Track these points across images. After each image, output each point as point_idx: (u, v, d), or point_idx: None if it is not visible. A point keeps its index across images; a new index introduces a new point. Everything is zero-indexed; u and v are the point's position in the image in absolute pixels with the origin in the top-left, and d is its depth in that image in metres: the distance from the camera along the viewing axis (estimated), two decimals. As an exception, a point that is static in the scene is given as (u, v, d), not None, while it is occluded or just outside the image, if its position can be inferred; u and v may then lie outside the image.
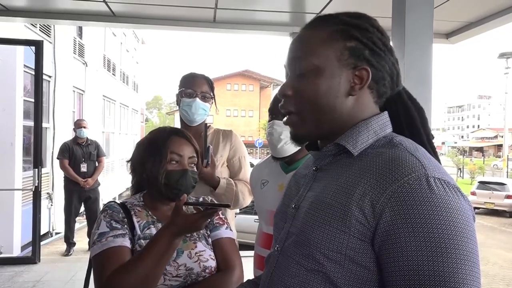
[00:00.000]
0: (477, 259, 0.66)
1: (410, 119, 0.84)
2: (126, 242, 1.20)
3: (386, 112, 0.83)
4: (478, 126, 79.57)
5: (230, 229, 1.40)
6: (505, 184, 16.11)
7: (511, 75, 25.67)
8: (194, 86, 1.91)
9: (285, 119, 0.86)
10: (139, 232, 1.24)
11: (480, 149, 62.40)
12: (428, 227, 0.64)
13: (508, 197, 15.31)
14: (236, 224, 2.16)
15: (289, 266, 0.79)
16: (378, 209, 0.68)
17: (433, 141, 0.86)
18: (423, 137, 0.84)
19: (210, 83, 1.97)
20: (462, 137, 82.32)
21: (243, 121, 45.53)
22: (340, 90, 0.79)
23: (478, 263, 0.66)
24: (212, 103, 1.99)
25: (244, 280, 1.29)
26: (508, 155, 26.22)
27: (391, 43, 0.84)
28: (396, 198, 0.67)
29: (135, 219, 1.26)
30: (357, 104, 0.81)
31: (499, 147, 52.92)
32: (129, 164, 1.39)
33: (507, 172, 24.49)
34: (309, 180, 0.86)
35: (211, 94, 1.96)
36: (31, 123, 4.88)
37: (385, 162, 0.72)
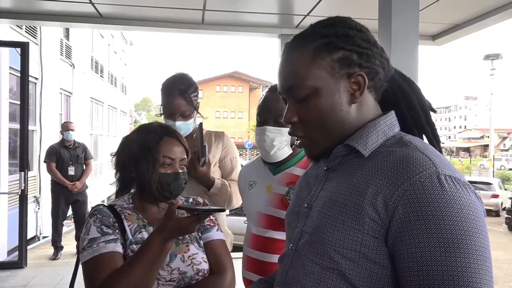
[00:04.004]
0: (489, 254, 0.68)
1: (408, 101, 0.87)
2: (118, 248, 1.18)
3: (393, 112, 0.85)
4: (465, 126, 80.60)
5: (221, 231, 1.40)
6: (491, 184, 16.37)
7: (496, 76, 26.09)
8: (172, 109, 1.84)
9: (297, 141, 0.88)
10: (130, 236, 1.23)
11: (467, 149, 63.29)
12: (441, 223, 0.66)
13: (494, 196, 15.56)
14: (227, 225, 2.16)
15: (304, 264, 0.80)
16: (391, 207, 0.70)
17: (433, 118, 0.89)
18: (422, 118, 0.87)
19: (188, 96, 1.86)
20: (449, 137, 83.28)
21: (232, 123, 45.48)
22: (342, 102, 0.80)
23: (490, 258, 0.67)
24: (194, 114, 1.93)
25: (236, 282, 1.31)
26: (494, 155, 26.62)
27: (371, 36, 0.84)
28: (408, 195, 0.69)
29: (126, 223, 1.24)
30: (361, 108, 0.82)
31: (486, 147, 53.74)
32: (113, 157, 1.35)
33: (493, 172, 24.87)
34: (321, 180, 0.88)
35: (192, 107, 1.89)
36: (17, 126, 4.81)
37: (396, 161, 0.74)
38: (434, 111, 0.90)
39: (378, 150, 0.80)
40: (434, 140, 0.87)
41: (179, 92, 1.85)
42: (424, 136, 0.88)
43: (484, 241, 0.67)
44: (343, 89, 0.80)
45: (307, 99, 0.81)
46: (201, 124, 1.84)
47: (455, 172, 0.72)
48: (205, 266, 1.27)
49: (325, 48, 0.80)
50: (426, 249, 0.66)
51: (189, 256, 1.25)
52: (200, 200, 1.43)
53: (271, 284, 0.97)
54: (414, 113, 0.87)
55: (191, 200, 1.42)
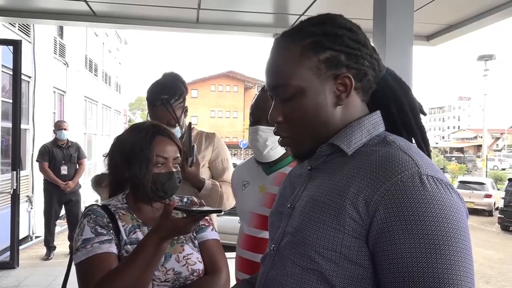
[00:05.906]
0: (470, 255, 0.67)
1: (398, 102, 0.85)
2: (113, 248, 1.16)
3: (378, 112, 0.84)
4: (459, 127, 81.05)
5: (215, 230, 1.39)
6: (484, 184, 16.49)
7: (489, 77, 26.28)
8: (156, 119, 1.78)
9: (280, 139, 0.87)
10: (125, 237, 1.22)
11: (461, 150, 63.64)
12: (422, 224, 0.65)
13: (487, 196, 15.67)
14: (221, 225, 2.15)
15: (284, 265, 0.79)
16: (372, 207, 0.69)
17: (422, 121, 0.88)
18: (412, 121, 0.85)
19: (170, 107, 1.81)
20: (443, 137, 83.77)
21: (227, 122, 45.45)
22: (327, 104, 0.79)
23: (471, 259, 0.67)
24: (182, 119, 1.90)
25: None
26: (487, 155, 26.83)
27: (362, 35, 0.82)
28: (389, 195, 0.68)
29: (120, 224, 1.23)
30: (347, 110, 0.81)
31: (479, 147, 54.08)
32: (105, 158, 1.34)
33: (486, 172, 25.03)
34: (304, 179, 0.87)
35: (178, 114, 1.85)
36: (9, 125, 4.77)
37: (379, 160, 0.73)
38: (424, 114, 0.88)
39: (361, 150, 0.79)
40: (423, 144, 0.86)
41: (162, 102, 1.82)
42: (413, 139, 0.86)
43: (465, 243, 0.66)
44: (328, 90, 0.79)
45: (293, 99, 0.80)
46: (190, 124, 1.82)
47: (437, 172, 0.72)
48: (200, 266, 1.26)
49: (312, 48, 0.78)
50: (406, 250, 0.65)
51: (184, 257, 1.24)
52: (197, 200, 1.42)
53: (254, 285, 0.96)
54: (403, 115, 0.85)
55: (185, 199, 1.41)
